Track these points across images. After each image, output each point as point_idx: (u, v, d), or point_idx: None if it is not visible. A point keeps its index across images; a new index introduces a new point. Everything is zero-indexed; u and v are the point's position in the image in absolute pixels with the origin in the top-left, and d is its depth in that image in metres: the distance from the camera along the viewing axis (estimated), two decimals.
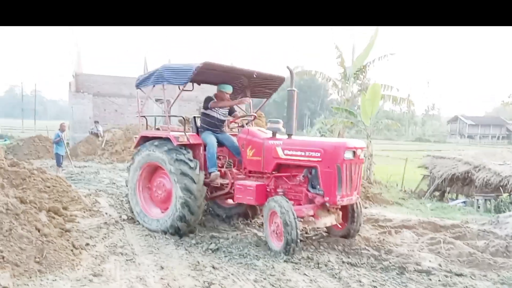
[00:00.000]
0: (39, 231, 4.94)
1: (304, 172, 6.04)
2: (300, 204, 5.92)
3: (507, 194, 12.39)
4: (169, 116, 6.88)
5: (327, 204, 5.84)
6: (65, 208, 7.19)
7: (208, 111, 7.06)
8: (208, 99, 7.03)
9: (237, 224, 7.24)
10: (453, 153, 18.21)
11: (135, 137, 7.41)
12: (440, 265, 5.46)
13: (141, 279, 4.31)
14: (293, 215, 5.42)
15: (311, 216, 5.79)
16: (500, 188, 12.65)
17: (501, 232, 6.58)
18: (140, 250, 5.42)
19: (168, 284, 4.21)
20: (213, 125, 7.11)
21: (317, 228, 6.47)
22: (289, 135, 6.34)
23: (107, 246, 5.45)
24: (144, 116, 7.58)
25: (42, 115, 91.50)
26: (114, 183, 12.37)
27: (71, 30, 28.39)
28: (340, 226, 6.41)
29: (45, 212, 6.03)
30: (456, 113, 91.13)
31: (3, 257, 4.20)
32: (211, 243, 5.93)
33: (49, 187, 8.00)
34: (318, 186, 5.82)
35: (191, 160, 6.36)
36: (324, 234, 6.63)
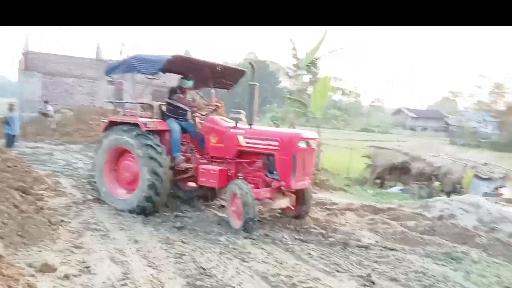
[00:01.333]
0: (16, 208, 5.28)
1: (263, 158, 6.68)
2: (258, 188, 6.56)
3: (439, 182, 13.77)
4: (138, 103, 7.29)
5: (283, 188, 6.52)
6: (30, 188, 7.44)
7: (172, 101, 7.54)
8: (172, 90, 7.53)
9: (198, 205, 7.81)
10: (394, 145, 19.63)
11: (103, 121, 7.75)
12: (377, 241, 6.34)
13: (119, 250, 4.82)
14: (251, 197, 6.07)
15: (268, 198, 6.44)
16: (433, 177, 14.02)
17: (429, 215, 7.61)
18: (111, 227, 5.88)
19: (144, 255, 4.74)
20: (178, 113, 7.61)
21: (273, 209, 7.18)
22: (250, 125, 6.90)
23: (80, 223, 5.87)
24: (111, 102, 7.93)
25: None
26: (70, 165, 12.45)
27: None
28: (293, 208, 7.11)
29: (15, 191, 6.32)
30: (400, 105, 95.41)
31: None
32: (176, 222, 6.48)
33: (10, 167, 8.14)
34: (275, 172, 6.49)
35: (158, 145, 6.84)
36: (279, 215, 7.34)
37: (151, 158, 6.73)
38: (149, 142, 6.81)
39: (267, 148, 6.54)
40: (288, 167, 6.35)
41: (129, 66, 7.14)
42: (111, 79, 28.07)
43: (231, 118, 7.16)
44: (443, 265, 5.50)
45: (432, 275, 4.99)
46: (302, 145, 6.37)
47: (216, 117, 7.52)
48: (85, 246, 4.89)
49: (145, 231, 5.88)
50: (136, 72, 7.12)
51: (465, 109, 67.61)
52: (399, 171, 16.04)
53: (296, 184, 6.44)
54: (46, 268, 3.97)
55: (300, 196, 7.11)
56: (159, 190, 6.74)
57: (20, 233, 4.79)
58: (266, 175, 6.65)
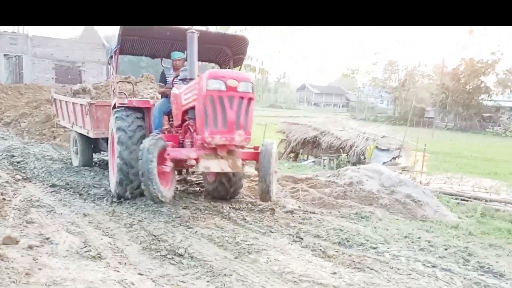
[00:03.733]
0: None
1: (190, 114, 5.88)
2: None
3: (345, 154, 15.27)
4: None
5: (205, 145, 5.51)
6: None
7: (162, 84, 7.20)
8: (162, 73, 7.22)
9: None
10: (304, 120, 21.03)
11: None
12: (299, 206, 7.24)
13: (72, 223, 5.11)
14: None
15: (193, 159, 5.55)
16: (340, 149, 15.50)
17: (341, 182, 8.70)
18: (53, 204, 6.07)
19: (97, 226, 5.09)
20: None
21: (198, 172, 6.56)
22: (191, 79, 5.97)
23: (22, 201, 5.97)
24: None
25: None
26: None
27: None
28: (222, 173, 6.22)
29: None
30: (304, 82, 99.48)
31: None
32: (113, 197, 6.71)
33: None
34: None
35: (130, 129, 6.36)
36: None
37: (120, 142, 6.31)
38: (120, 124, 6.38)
39: (192, 100, 5.66)
40: (199, 116, 5.38)
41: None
42: (8, 54, 26.44)
43: (181, 78, 6.48)
44: (355, 222, 6.55)
45: (347, 230, 5.95)
46: (215, 85, 5.20)
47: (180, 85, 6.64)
48: (37, 221, 5.10)
49: (87, 206, 6.15)
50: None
51: (363, 85, 72.54)
52: (311, 145, 17.37)
53: (214, 138, 5.33)
54: (10, 241, 4.19)
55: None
56: (130, 176, 6.26)
57: None
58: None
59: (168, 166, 5.44)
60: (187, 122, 5.98)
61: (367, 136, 15.50)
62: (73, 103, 9.60)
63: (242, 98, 5.30)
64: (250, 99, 5.37)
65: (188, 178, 8.45)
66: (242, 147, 5.78)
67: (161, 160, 5.34)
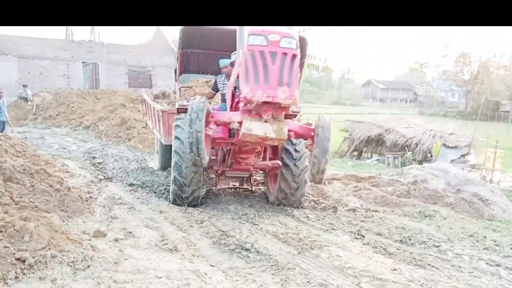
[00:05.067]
0: (51, 187, 6.00)
1: (236, 84, 5.60)
2: None
3: (411, 152, 14.99)
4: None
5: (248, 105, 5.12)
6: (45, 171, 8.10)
7: (213, 92, 7.17)
8: (215, 82, 7.17)
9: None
10: (368, 118, 20.81)
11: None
12: (361, 205, 7.39)
13: (151, 219, 5.64)
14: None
15: (236, 122, 5.27)
16: (405, 147, 15.24)
17: (405, 180, 8.70)
18: (133, 202, 6.67)
19: (172, 222, 5.59)
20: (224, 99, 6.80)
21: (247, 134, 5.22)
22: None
23: (106, 199, 6.64)
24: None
25: None
26: (65, 148, 13.05)
27: None
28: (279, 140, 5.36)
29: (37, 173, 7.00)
30: (369, 77, 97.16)
31: (36, 206, 5.29)
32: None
33: (20, 152, 8.74)
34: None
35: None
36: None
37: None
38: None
39: (237, 72, 5.40)
40: (242, 74, 5.03)
41: None
42: (86, 61, 28.44)
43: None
44: (418, 221, 6.59)
45: (410, 229, 6.02)
46: (256, 41, 4.86)
47: None
48: (120, 217, 5.69)
49: (162, 204, 6.66)
50: None
51: (433, 79, 69.46)
52: (375, 143, 17.21)
53: (255, 94, 4.86)
54: (99, 234, 4.77)
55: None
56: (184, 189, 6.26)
57: (62, 208, 5.55)
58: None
59: (211, 129, 5.32)
60: (236, 100, 5.67)
61: (434, 134, 15.11)
62: (152, 107, 9.75)
63: (285, 54, 4.86)
64: (293, 55, 4.91)
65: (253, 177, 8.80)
66: (288, 109, 5.31)
67: (206, 123, 5.14)
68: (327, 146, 5.33)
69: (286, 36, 4.87)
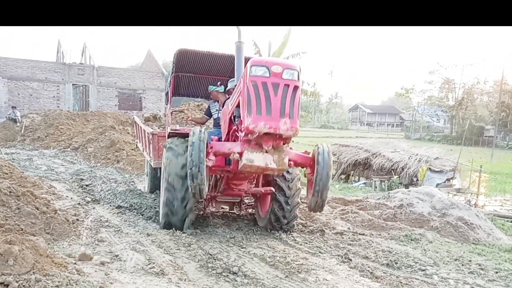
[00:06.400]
0: (37, 209, 5.96)
1: (235, 112, 5.54)
2: None
3: (397, 176, 15.14)
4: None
5: (249, 136, 5.09)
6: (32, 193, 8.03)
7: (207, 117, 7.43)
8: (208, 107, 7.37)
9: None
10: (356, 142, 21.03)
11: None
12: (349, 228, 7.43)
13: (138, 242, 5.61)
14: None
15: (237, 153, 5.25)
16: (392, 171, 15.40)
17: (391, 204, 8.77)
18: (120, 224, 6.63)
19: (159, 245, 5.57)
20: (216, 124, 7.13)
21: (243, 169, 5.35)
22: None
23: (92, 221, 6.59)
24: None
25: None
26: (53, 170, 12.92)
27: None
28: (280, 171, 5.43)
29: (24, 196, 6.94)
30: (356, 101, 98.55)
31: (22, 229, 5.24)
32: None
33: (6, 173, 8.66)
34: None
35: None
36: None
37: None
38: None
39: (237, 99, 5.39)
40: (243, 105, 5.02)
41: None
42: (76, 83, 28.54)
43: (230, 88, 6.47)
44: (405, 245, 6.65)
45: (396, 252, 6.07)
46: (258, 72, 4.86)
47: None
48: (106, 240, 5.65)
49: (150, 226, 6.65)
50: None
51: (418, 104, 70.66)
52: (362, 167, 17.36)
53: (257, 125, 4.83)
54: (85, 257, 4.73)
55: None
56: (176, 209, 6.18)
57: (48, 231, 5.51)
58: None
59: (211, 160, 5.28)
60: (233, 128, 5.74)
61: (420, 158, 15.33)
62: (143, 129, 9.73)
63: (287, 85, 4.87)
64: (295, 87, 4.92)
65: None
66: (289, 140, 5.27)
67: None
68: (327, 183, 5.33)
69: (288, 67, 4.91)
